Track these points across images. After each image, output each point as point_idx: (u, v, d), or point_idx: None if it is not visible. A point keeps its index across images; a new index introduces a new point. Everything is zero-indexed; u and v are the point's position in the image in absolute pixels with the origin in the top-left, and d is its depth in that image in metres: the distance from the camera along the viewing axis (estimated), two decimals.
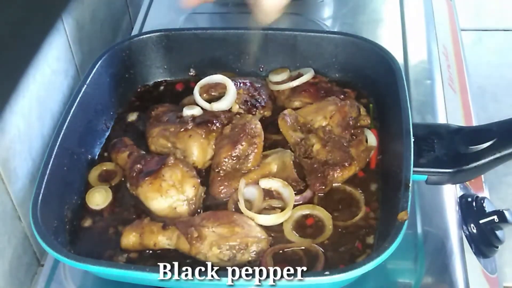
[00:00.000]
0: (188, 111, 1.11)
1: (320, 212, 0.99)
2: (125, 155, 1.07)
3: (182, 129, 1.08)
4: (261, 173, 1.04)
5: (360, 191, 1.02)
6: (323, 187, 1.02)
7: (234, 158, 1.05)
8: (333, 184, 1.03)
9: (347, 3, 1.52)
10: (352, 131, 1.09)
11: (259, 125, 1.08)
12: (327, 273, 0.81)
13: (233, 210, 1.00)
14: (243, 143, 1.05)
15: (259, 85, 1.19)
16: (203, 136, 1.07)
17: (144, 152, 1.08)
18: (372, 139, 1.08)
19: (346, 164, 1.03)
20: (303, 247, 0.95)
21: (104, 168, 1.08)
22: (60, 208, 0.99)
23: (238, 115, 1.13)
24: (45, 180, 0.95)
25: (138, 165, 1.03)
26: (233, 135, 1.07)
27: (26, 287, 1.07)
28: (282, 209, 0.99)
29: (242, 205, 0.98)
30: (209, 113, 1.12)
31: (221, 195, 1.03)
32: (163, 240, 0.95)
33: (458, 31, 1.58)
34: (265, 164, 1.05)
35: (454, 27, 1.58)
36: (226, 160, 1.04)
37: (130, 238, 0.96)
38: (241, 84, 1.18)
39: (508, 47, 2.26)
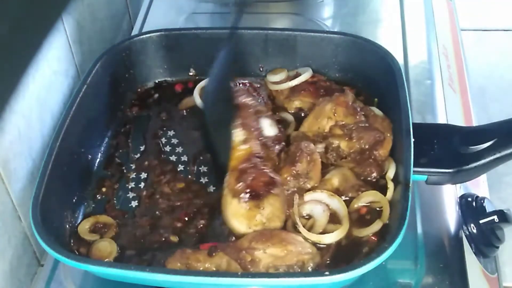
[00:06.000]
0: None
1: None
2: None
3: None
4: (324, 189, 1.00)
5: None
6: (378, 170, 1.00)
7: (295, 177, 1.00)
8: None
9: (347, 3, 1.52)
10: (364, 111, 1.08)
11: (312, 145, 1.05)
12: (327, 273, 0.81)
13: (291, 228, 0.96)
14: (302, 161, 1.01)
15: (258, 85, 1.19)
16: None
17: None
18: (377, 111, 1.09)
19: (382, 138, 1.02)
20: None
21: (97, 221, 1.02)
22: (60, 208, 0.99)
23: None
24: (45, 180, 0.95)
25: (249, 177, 0.97)
26: (291, 155, 1.03)
27: (26, 287, 1.07)
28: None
29: (302, 228, 0.94)
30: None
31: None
32: (211, 267, 0.90)
33: (458, 31, 1.58)
34: (325, 180, 1.02)
35: (454, 27, 1.58)
36: (288, 179, 1.00)
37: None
38: (240, 85, 1.18)
39: (508, 47, 2.26)
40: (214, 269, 0.90)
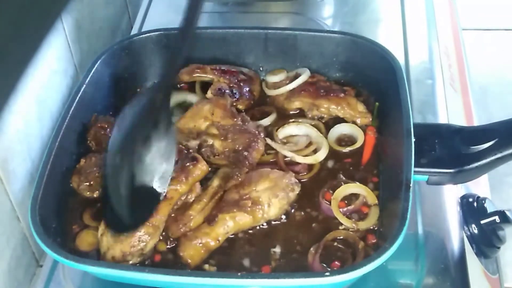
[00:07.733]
0: None
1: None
2: None
3: None
4: (209, 194, 1.00)
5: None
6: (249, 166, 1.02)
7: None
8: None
9: (347, 2, 1.52)
10: (241, 117, 1.10)
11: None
12: (327, 273, 0.80)
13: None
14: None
15: (245, 78, 1.18)
16: None
17: None
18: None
19: (255, 140, 1.05)
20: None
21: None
22: (59, 209, 0.98)
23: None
24: (44, 181, 0.94)
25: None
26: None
27: None
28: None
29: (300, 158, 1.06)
30: None
31: (181, 231, 0.97)
32: (221, 231, 0.94)
33: (459, 31, 1.57)
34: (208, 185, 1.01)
35: (455, 26, 1.57)
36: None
37: (195, 252, 0.93)
38: (226, 74, 1.17)
39: (510, 47, 2.26)
40: (224, 231, 0.94)
